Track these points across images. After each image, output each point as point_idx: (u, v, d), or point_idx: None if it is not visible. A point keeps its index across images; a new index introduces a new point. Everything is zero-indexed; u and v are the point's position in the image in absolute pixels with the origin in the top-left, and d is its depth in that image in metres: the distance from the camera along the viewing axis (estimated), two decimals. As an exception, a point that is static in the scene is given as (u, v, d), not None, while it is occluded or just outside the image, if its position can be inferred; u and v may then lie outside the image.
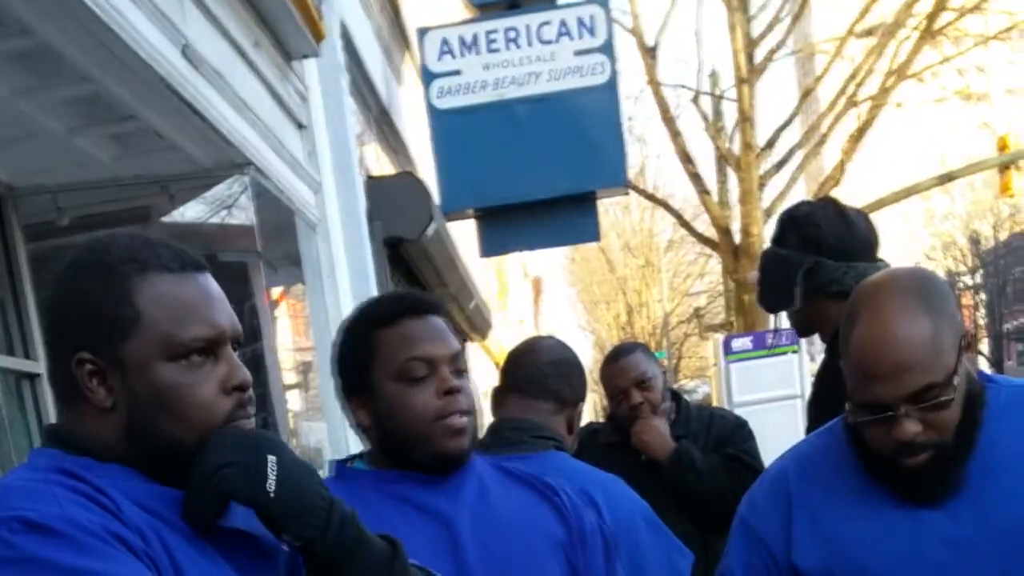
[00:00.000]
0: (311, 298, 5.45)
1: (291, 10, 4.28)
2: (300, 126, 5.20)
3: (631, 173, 12.62)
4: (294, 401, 6.18)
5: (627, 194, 12.13)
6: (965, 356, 1.88)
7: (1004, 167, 18.42)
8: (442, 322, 2.02)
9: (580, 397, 2.66)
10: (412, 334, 1.97)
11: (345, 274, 5.63)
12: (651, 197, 19.38)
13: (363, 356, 1.98)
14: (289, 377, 6.33)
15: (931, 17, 15.01)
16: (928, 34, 15.21)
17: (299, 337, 7.00)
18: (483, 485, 2.01)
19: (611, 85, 8.34)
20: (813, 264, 2.81)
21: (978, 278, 47.04)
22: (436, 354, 1.96)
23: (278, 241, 5.26)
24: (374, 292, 5.85)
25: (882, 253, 2.88)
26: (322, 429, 5.70)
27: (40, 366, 3.75)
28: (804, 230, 2.86)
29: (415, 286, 8.36)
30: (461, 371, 2.00)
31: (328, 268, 5.41)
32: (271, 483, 1.45)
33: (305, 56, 4.88)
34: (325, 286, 5.35)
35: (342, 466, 2.08)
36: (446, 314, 2.06)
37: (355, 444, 4.78)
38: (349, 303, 5.49)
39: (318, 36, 4.72)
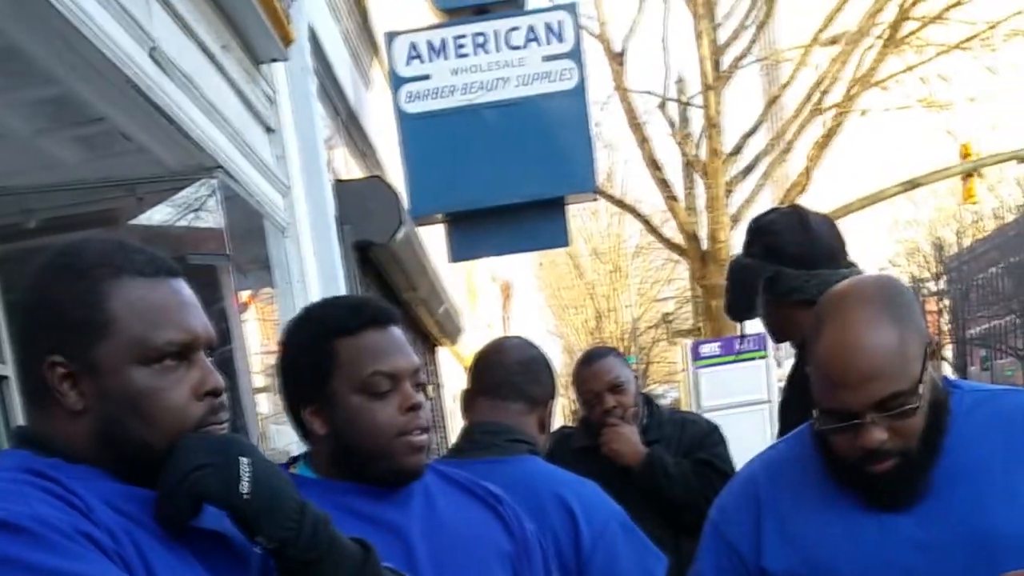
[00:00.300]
0: (280, 302, 5.43)
1: (259, 13, 4.27)
2: (268, 129, 5.18)
3: (599, 179, 12.65)
4: (263, 404, 6.14)
5: (596, 200, 12.14)
6: (930, 363, 1.90)
7: (967, 175, 18.60)
8: (402, 334, 1.99)
9: (550, 395, 2.65)
10: (375, 346, 1.93)
11: (315, 278, 5.61)
12: (619, 203, 19.43)
13: (321, 365, 1.93)
14: (258, 380, 6.30)
15: (894, 26, 15.14)
16: (892, 43, 15.36)
17: (268, 341, 6.97)
18: (429, 494, 1.99)
19: (580, 91, 8.33)
20: (774, 273, 2.82)
21: (942, 284, 47.43)
22: (400, 368, 1.93)
23: (247, 244, 5.24)
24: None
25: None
26: (291, 433, 5.68)
27: (8, 368, 3.72)
28: (766, 239, 2.89)
29: (385, 290, 8.34)
30: (420, 385, 1.97)
31: (297, 272, 5.40)
32: (245, 484, 1.45)
33: (274, 60, 4.87)
34: (294, 290, 5.33)
35: (284, 469, 2.08)
36: (403, 324, 2.03)
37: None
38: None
39: (286, 39, 4.71)
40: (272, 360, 6.99)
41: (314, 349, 1.94)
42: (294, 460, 2.07)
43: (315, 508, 1.52)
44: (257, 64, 4.83)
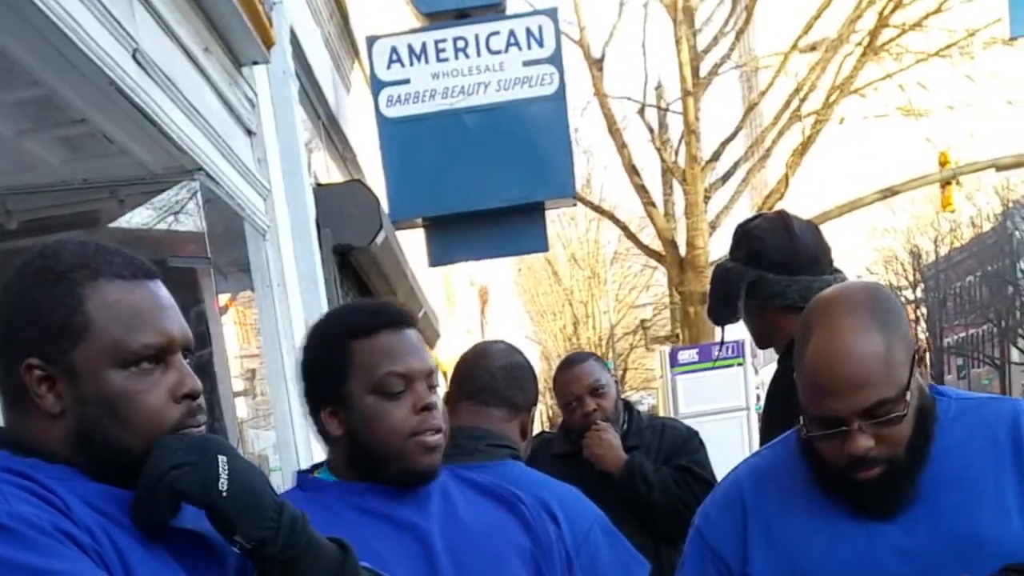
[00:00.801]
0: (260, 305, 5.42)
1: (241, 16, 4.26)
2: (249, 132, 5.17)
3: (578, 184, 12.68)
4: (242, 408, 6.14)
5: (575, 205, 12.18)
6: (916, 371, 1.91)
7: (945, 183, 18.68)
8: (417, 336, 2.01)
9: (533, 402, 2.66)
10: (390, 348, 1.96)
11: (294, 281, 5.60)
12: (597, 209, 19.46)
13: (338, 366, 1.96)
14: (237, 384, 6.30)
15: (873, 33, 15.21)
16: (870, 50, 15.43)
17: (247, 344, 6.96)
18: (447, 496, 2.01)
19: (559, 96, 8.37)
20: (756, 278, 2.83)
21: (919, 292, 47.65)
22: (414, 369, 1.95)
23: (227, 247, 5.23)
24: (323, 300, 5.83)
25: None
26: (269, 436, 5.67)
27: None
28: (749, 244, 2.90)
29: (365, 294, 8.34)
30: (434, 387, 1.99)
31: (277, 275, 5.39)
32: (223, 483, 1.46)
33: (255, 63, 4.86)
34: (275, 293, 5.32)
35: (305, 476, 2.07)
36: (419, 327, 2.06)
37: (304, 452, 4.74)
38: (299, 310, 5.46)
39: (268, 42, 4.70)
40: (251, 364, 7.00)
41: (331, 351, 1.98)
42: (317, 466, 2.09)
43: (292, 508, 1.53)
44: (239, 67, 4.82)
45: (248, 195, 4.96)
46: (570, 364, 3.77)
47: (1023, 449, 1.94)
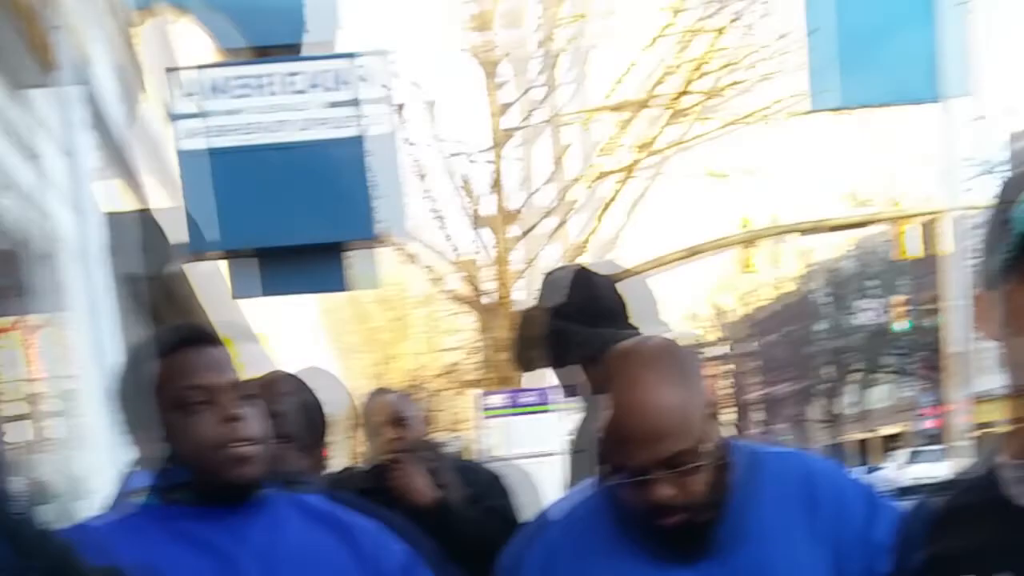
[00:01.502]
0: (44, 330, 5.38)
1: (21, 37, 4.26)
2: (33, 156, 5.16)
3: (408, 225, 12.71)
4: (23, 432, 6.06)
5: (379, 247, 12.23)
6: (714, 423, 2.00)
7: (746, 244, 19.34)
8: (220, 352, 2.04)
9: (324, 437, 2.71)
10: (189, 363, 1.99)
11: (82, 307, 5.57)
12: (405, 252, 19.48)
13: (144, 389, 1.98)
14: (17, 408, 6.21)
15: (677, 97, 15.71)
16: (675, 113, 15.91)
17: (29, 369, 6.87)
18: (277, 521, 2.02)
19: (361, 139, 8.47)
20: (559, 328, 2.90)
21: (722, 349, 48.96)
22: (214, 382, 1.98)
23: (10, 272, 5.18)
24: (111, 328, 5.80)
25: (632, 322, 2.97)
26: (51, 461, 5.61)
27: None
28: (554, 295, 2.97)
29: (157, 324, 8.28)
30: (248, 398, 2.01)
31: (64, 301, 5.36)
32: None
33: (37, 85, 4.86)
34: (59, 319, 5.29)
35: (126, 498, 2.09)
36: (223, 345, 2.08)
37: (112, 475, 4.67)
38: (86, 337, 5.44)
39: (49, 66, 4.71)
40: (31, 388, 6.90)
41: (136, 375, 2.01)
42: (151, 489, 2.07)
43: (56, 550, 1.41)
44: (21, 88, 4.81)
45: (33, 220, 4.94)
46: (374, 396, 3.81)
47: (816, 505, 2.02)
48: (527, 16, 16.09)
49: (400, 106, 15.90)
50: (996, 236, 1.47)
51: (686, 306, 47.45)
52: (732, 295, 48.34)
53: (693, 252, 18.05)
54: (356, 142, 8.48)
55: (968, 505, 1.53)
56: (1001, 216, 1.47)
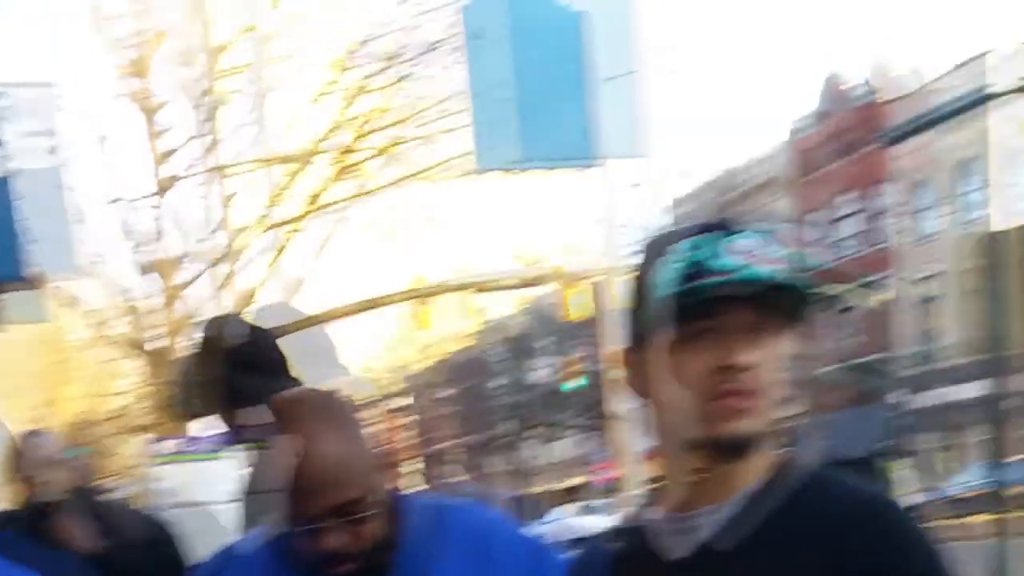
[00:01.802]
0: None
1: None
2: None
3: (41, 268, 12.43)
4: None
5: (34, 288, 11.98)
6: (385, 473, 2.04)
7: (420, 300, 19.67)
8: None
9: None
10: None
11: None
12: (67, 296, 18.91)
13: None
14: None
15: (344, 153, 16.03)
16: (344, 167, 16.22)
17: None
18: None
19: (5, 179, 8.35)
20: (221, 377, 2.97)
21: (402, 401, 49.47)
22: None
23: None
24: None
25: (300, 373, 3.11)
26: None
27: None
28: (214, 345, 3.05)
29: None
30: None
31: None
32: None
33: None
34: None
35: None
36: None
37: None
38: None
39: None
40: None
41: None
42: None
43: None
44: None
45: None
46: (27, 438, 3.73)
47: (489, 557, 2.07)
48: (193, 64, 16.11)
49: (54, 147, 15.60)
50: (638, 298, 1.57)
51: (366, 356, 47.66)
52: (412, 348, 48.89)
53: (368, 305, 18.26)
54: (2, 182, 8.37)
55: (623, 556, 1.63)
56: (642, 279, 1.56)
